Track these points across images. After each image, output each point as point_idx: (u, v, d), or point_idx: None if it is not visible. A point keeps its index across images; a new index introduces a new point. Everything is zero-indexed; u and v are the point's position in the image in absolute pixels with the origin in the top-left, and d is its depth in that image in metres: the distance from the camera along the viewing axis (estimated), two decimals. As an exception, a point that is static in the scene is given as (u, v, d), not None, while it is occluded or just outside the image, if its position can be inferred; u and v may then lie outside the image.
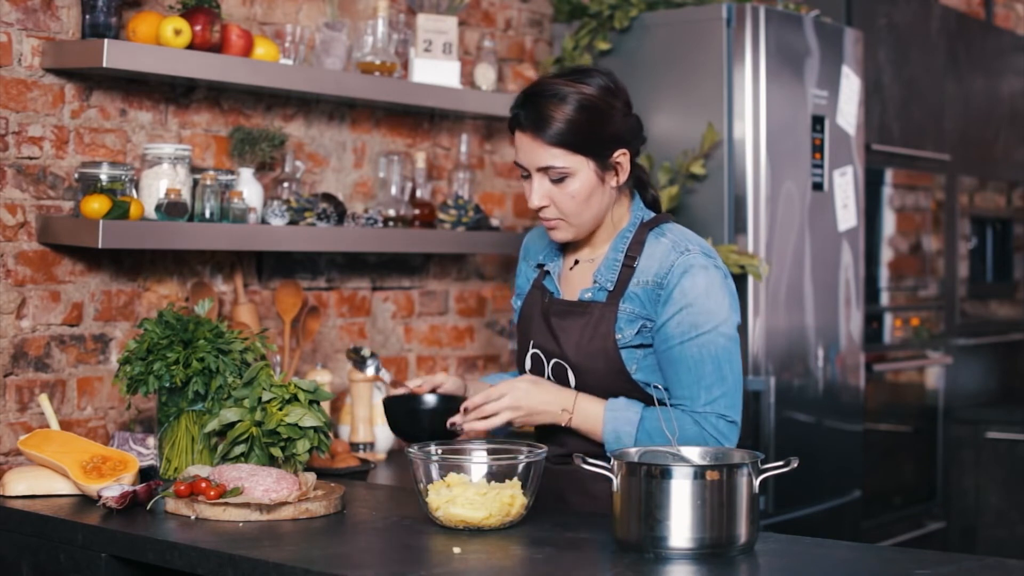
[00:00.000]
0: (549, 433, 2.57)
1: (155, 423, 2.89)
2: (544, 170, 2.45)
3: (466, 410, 2.49)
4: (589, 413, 2.47)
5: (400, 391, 2.62)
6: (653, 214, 2.57)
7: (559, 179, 2.45)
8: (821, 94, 3.97)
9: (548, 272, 2.63)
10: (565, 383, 2.53)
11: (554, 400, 2.48)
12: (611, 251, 2.52)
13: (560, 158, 2.43)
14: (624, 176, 2.49)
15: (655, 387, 2.43)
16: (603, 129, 2.44)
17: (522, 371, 2.65)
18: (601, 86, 2.46)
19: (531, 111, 2.45)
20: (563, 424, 2.49)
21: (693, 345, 2.43)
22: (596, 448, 2.49)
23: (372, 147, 3.78)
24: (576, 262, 2.60)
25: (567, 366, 2.52)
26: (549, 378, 2.56)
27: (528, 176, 2.50)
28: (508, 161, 4.18)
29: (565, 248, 2.63)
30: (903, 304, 4.77)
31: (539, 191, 2.47)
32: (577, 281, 2.58)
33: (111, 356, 3.19)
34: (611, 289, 2.49)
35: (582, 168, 2.44)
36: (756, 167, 3.77)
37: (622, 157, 2.47)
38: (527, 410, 2.47)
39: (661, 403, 2.41)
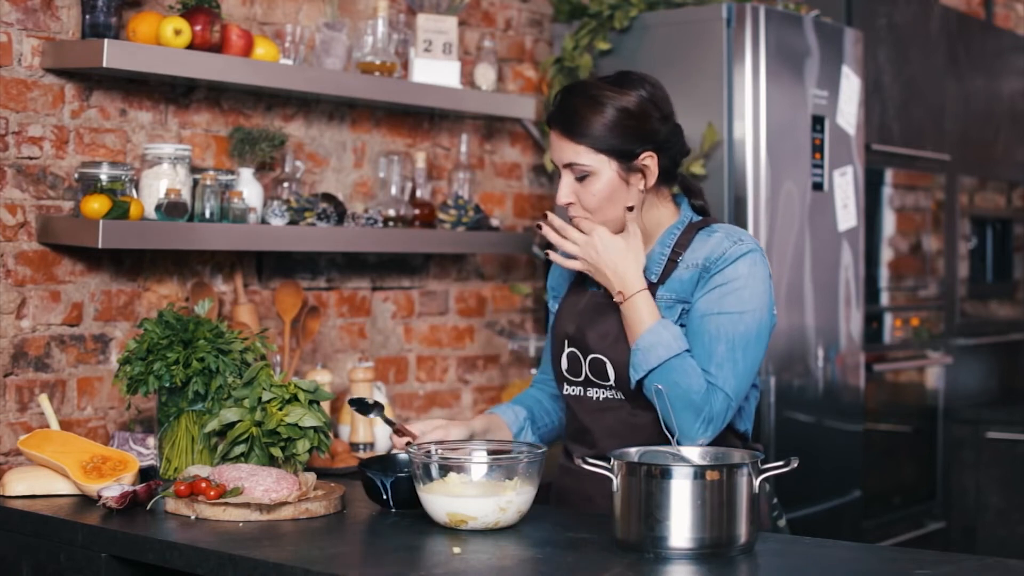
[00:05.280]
0: (581, 433, 2.55)
1: (155, 423, 2.89)
2: (569, 167, 2.47)
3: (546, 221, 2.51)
4: (640, 311, 2.43)
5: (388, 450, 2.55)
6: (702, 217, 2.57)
7: (582, 177, 2.47)
8: (821, 94, 3.97)
9: None
10: (604, 378, 2.50)
11: (626, 272, 2.45)
12: (658, 246, 2.52)
13: (583, 155, 2.45)
14: (652, 180, 2.48)
15: (657, 388, 2.41)
16: (629, 132, 2.45)
17: (557, 374, 2.61)
18: (634, 91, 2.47)
19: (562, 109, 2.48)
20: (615, 300, 2.46)
21: (712, 321, 2.42)
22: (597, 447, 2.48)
23: (372, 147, 3.78)
24: None
25: (606, 360, 2.49)
26: (587, 375, 2.53)
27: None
28: (508, 161, 4.19)
29: None
30: (903, 304, 4.77)
31: (566, 188, 2.50)
32: None
33: (111, 356, 3.19)
34: (655, 281, 2.49)
35: (604, 168, 2.45)
36: (756, 167, 3.77)
37: (649, 160, 2.47)
38: (599, 256, 2.45)
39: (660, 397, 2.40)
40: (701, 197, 2.60)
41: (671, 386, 2.38)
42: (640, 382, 2.42)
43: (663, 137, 2.48)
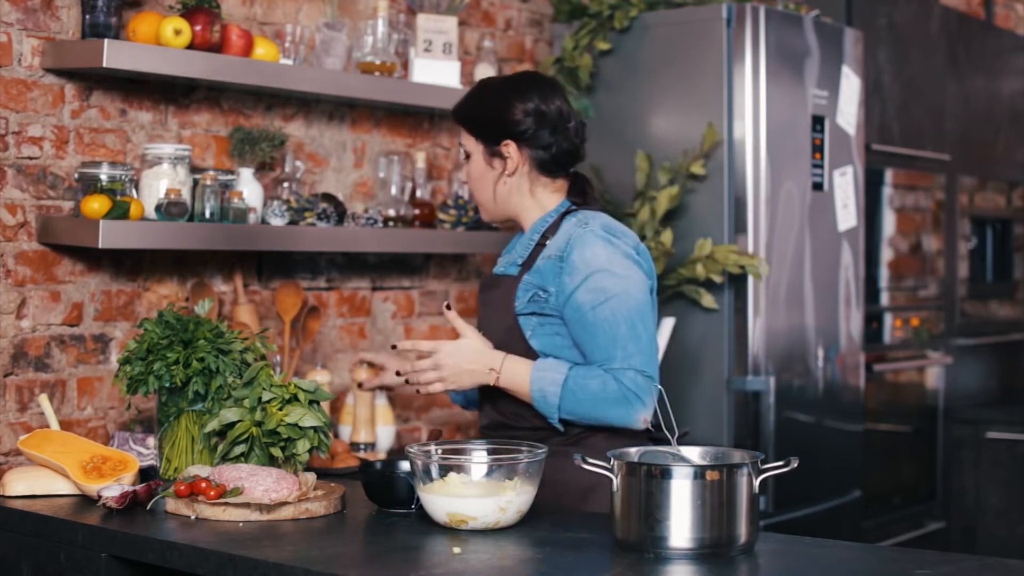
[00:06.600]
0: (488, 398, 2.70)
1: (155, 423, 2.89)
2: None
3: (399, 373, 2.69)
4: (516, 372, 2.58)
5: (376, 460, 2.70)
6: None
7: (465, 157, 2.72)
8: (821, 94, 3.97)
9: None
10: None
11: (479, 360, 2.59)
12: (530, 232, 2.69)
13: (464, 137, 2.72)
14: (512, 168, 2.66)
15: (656, 386, 2.45)
16: (489, 115, 2.65)
17: None
18: (510, 80, 2.70)
19: (464, 96, 2.78)
20: (492, 383, 2.59)
21: (605, 308, 2.53)
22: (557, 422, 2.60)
23: (372, 147, 3.78)
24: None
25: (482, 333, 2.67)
26: None
27: None
28: (508, 161, 4.18)
29: None
30: (903, 304, 4.77)
31: (464, 168, 2.75)
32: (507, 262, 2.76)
33: (111, 356, 3.19)
34: (521, 264, 2.64)
35: (475, 150, 2.70)
36: (756, 167, 3.77)
37: (507, 148, 2.65)
38: (452, 370, 2.59)
39: (664, 402, 2.41)
40: (582, 196, 2.72)
41: (582, 403, 2.51)
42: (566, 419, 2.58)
43: (523, 129, 2.63)
